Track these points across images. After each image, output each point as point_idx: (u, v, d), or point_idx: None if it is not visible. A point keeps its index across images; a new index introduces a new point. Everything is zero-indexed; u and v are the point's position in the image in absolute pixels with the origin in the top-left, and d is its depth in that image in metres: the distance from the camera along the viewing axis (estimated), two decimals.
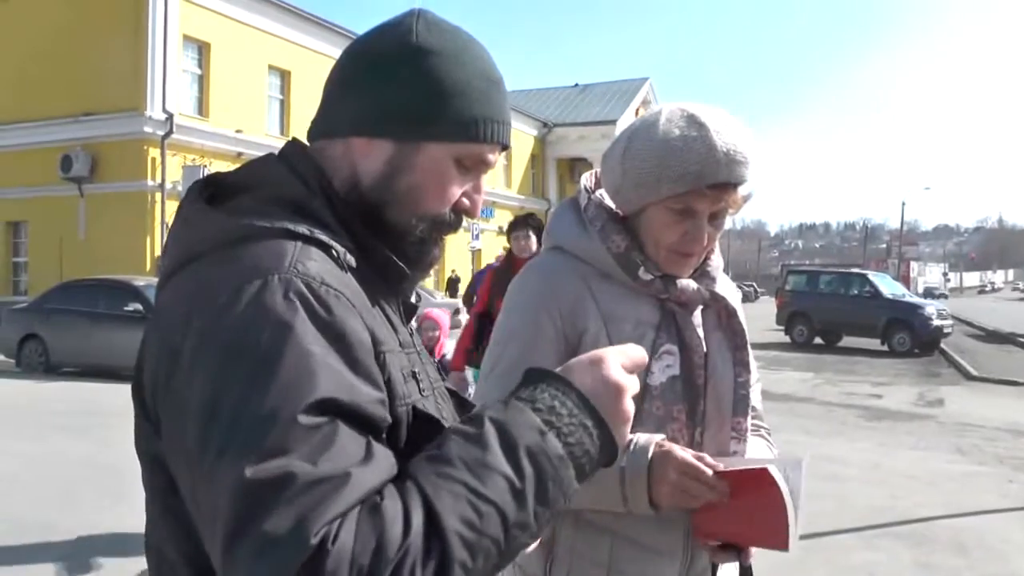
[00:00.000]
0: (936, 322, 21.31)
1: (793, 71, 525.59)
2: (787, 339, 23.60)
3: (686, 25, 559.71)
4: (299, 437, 0.83)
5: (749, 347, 1.68)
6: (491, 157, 1.13)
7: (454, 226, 1.14)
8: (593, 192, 1.69)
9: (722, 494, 1.44)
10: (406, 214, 1.09)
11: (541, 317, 1.57)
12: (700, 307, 1.65)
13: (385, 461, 0.88)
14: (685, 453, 1.46)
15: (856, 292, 22.91)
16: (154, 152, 20.63)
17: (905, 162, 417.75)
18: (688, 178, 1.49)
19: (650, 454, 1.46)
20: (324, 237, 1.01)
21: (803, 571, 5.12)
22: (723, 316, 1.67)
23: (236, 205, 1.04)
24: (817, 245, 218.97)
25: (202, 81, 22.53)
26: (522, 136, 39.93)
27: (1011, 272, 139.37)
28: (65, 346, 14.60)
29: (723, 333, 1.67)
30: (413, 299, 1.21)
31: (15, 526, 5.78)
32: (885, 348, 21.63)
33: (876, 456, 8.79)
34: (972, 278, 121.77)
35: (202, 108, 22.45)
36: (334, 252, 1.00)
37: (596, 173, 1.73)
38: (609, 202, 1.66)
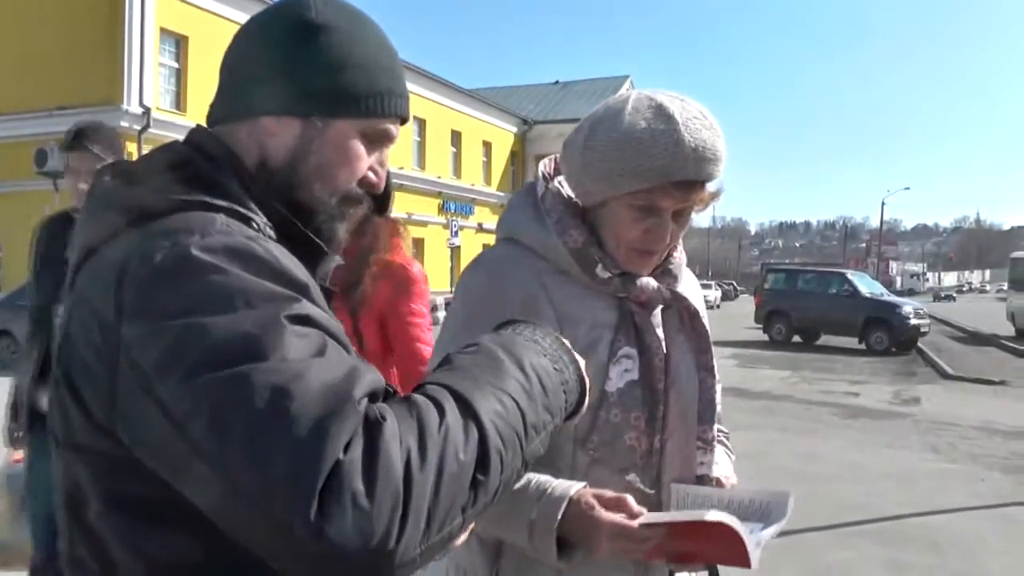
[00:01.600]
0: (914, 321, 21.43)
1: (773, 69, 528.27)
2: (765, 337, 23.70)
3: (667, 23, 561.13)
4: (294, 344, 0.84)
5: (713, 350, 1.60)
6: (393, 130, 1.15)
7: (361, 201, 1.15)
8: (551, 180, 1.60)
9: (663, 539, 1.34)
10: (317, 191, 1.09)
11: (489, 315, 1.45)
12: (661, 307, 1.57)
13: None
14: (610, 515, 1.35)
15: (835, 291, 22.97)
16: (131, 147, 20.36)
17: (886, 162, 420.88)
18: (652, 174, 1.41)
19: (560, 514, 1.35)
20: (243, 210, 1.01)
21: (775, 570, 5.11)
22: (685, 317, 1.58)
23: (151, 185, 1.01)
24: (797, 244, 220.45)
25: (180, 75, 22.32)
26: (502, 133, 39.93)
27: (988, 272, 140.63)
28: None
29: (686, 335, 1.58)
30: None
31: None
32: (863, 347, 21.73)
33: (851, 454, 8.81)
34: (950, 278, 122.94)
35: (180, 102, 22.21)
36: (254, 224, 1.01)
37: (555, 159, 1.64)
38: (568, 191, 1.57)
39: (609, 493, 1.39)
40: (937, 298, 73.09)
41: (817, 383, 15.15)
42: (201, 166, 1.03)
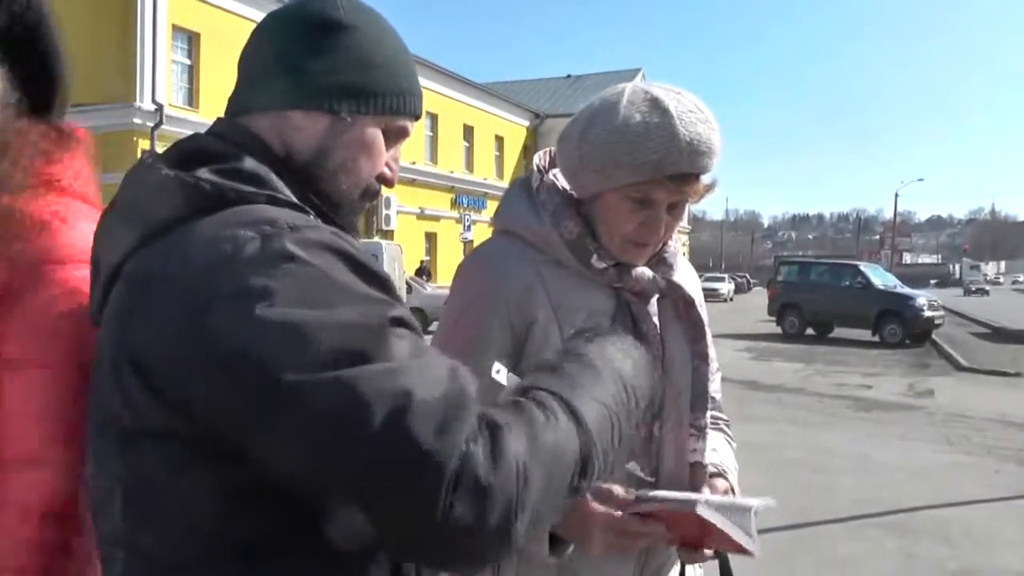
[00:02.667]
0: (927, 313, 21.32)
1: (786, 61, 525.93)
2: (778, 330, 23.61)
3: (679, 16, 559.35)
4: (401, 348, 0.89)
5: (709, 338, 1.62)
6: (410, 127, 1.20)
7: (376, 195, 1.20)
8: (547, 172, 1.61)
9: (655, 536, 1.35)
10: (343, 184, 1.13)
11: (487, 307, 1.50)
12: (656, 296, 1.58)
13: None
14: (602, 507, 1.35)
15: (848, 283, 22.85)
16: (144, 143, 20.47)
17: (900, 153, 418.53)
18: (647, 167, 1.42)
19: None
20: (299, 203, 1.03)
21: (788, 562, 5.13)
22: (681, 306, 1.60)
23: (204, 176, 1.00)
24: (810, 236, 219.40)
25: (192, 72, 22.40)
26: (515, 127, 39.89)
27: (1003, 263, 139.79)
28: None
29: (681, 324, 1.59)
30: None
31: None
32: (876, 339, 21.64)
33: (864, 447, 8.78)
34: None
35: (192, 99, 22.31)
36: (311, 217, 1.03)
37: (551, 151, 1.64)
38: (563, 183, 1.58)
39: (598, 485, 1.38)
40: (968, 292, 65.83)
41: (830, 376, 15.10)
42: (245, 160, 1.04)
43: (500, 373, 1.20)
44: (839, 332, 23.14)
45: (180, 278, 0.92)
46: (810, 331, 23.41)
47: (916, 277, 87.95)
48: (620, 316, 1.52)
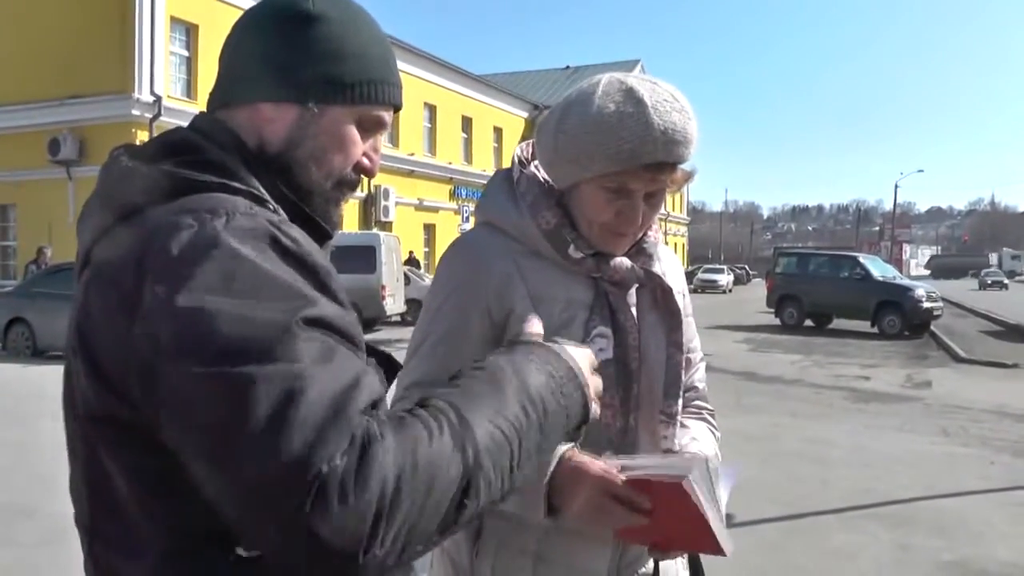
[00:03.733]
0: (926, 304, 21.34)
1: (786, 52, 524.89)
2: (777, 321, 23.65)
3: (679, 6, 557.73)
4: (304, 350, 0.87)
5: (685, 327, 1.62)
6: (387, 118, 1.19)
7: (355, 186, 1.20)
8: (528, 164, 1.62)
9: (639, 508, 1.32)
10: (313, 175, 1.13)
11: (466, 297, 1.51)
12: (635, 286, 1.59)
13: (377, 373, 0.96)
14: (600, 465, 1.36)
15: (847, 274, 22.87)
16: (143, 135, 20.43)
17: (900, 144, 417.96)
18: (621, 157, 1.42)
19: (551, 469, 1.35)
20: (258, 192, 1.05)
21: (783, 553, 5.16)
22: (659, 295, 1.60)
23: (167, 167, 1.04)
24: (810, 228, 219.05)
25: (190, 63, 22.36)
26: (513, 119, 39.83)
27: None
28: (52, 330, 14.39)
29: (658, 313, 1.60)
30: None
31: None
32: (875, 330, 21.67)
33: (861, 438, 8.81)
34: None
35: (191, 90, 22.26)
36: (269, 207, 1.05)
37: (532, 143, 1.65)
38: (544, 175, 1.59)
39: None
40: (984, 286, 60.50)
41: (829, 367, 15.13)
42: (211, 151, 1.06)
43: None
44: (838, 323, 23.19)
45: (122, 266, 0.94)
46: (809, 322, 23.45)
47: (953, 268, 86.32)
48: (599, 306, 1.53)
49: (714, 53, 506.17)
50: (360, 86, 1.13)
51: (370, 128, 1.18)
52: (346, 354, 0.92)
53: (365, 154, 1.18)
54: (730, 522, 5.91)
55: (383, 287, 19.52)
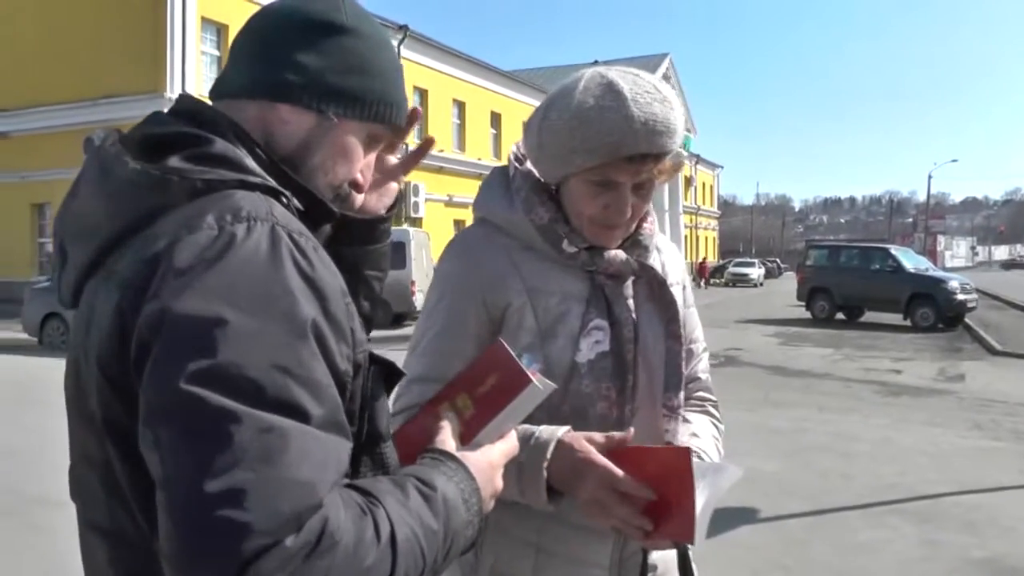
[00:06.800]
0: (960, 296, 21.06)
1: (817, 43, 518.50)
2: (808, 315, 23.44)
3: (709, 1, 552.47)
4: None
5: (685, 318, 1.63)
6: (387, 138, 1.21)
7: (347, 199, 1.18)
8: (524, 161, 1.63)
9: (640, 502, 1.34)
10: (318, 183, 1.12)
11: (462, 294, 1.54)
12: (631, 279, 1.60)
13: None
14: (600, 458, 1.37)
15: (878, 267, 22.64)
16: None
17: (933, 134, 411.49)
18: (603, 150, 1.43)
19: (549, 453, 1.38)
20: (274, 185, 1.02)
21: (807, 549, 5.10)
22: (654, 287, 1.61)
23: (169, 164, 1.00)
24: (842, 220, 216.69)
25: (221, 63, 22.52)
26: None
27: None
28: None
29: (654, 305, 1.60)
30: None
31: (16, 498, 5.93)
32: (908, 323, 21.40)
33: (889, 432, 8.71)
34: (1001, 252, 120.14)
35: None
36: (283, 199, 1.03)
37: None
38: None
39: (597, 436, 1.42)
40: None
41: (859, 360, 14.97)
42: (217, 142, 1.03)
43: (537, 377, 1.17)
44: (869, 316, 22.93)
45: (141, 278, 0.92)
46: (840, 316, 23.22)
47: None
48: (595, 299, 1.54)
49: (744, 46, 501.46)
50: (380, 104, 1.14)
51: (371, 146, 1.18)
52: (329, 420, 0.90)
53: (360, 170, 1.17)
54: (754, 517, 5.83)
55: (413, 282, 19.69)
